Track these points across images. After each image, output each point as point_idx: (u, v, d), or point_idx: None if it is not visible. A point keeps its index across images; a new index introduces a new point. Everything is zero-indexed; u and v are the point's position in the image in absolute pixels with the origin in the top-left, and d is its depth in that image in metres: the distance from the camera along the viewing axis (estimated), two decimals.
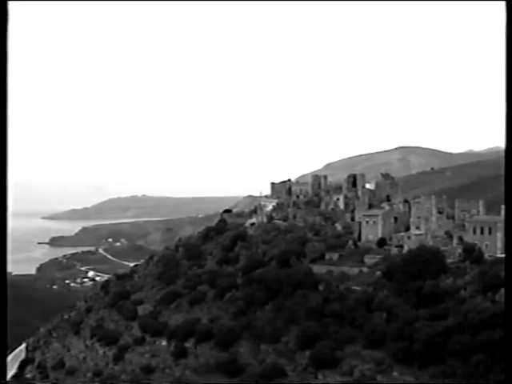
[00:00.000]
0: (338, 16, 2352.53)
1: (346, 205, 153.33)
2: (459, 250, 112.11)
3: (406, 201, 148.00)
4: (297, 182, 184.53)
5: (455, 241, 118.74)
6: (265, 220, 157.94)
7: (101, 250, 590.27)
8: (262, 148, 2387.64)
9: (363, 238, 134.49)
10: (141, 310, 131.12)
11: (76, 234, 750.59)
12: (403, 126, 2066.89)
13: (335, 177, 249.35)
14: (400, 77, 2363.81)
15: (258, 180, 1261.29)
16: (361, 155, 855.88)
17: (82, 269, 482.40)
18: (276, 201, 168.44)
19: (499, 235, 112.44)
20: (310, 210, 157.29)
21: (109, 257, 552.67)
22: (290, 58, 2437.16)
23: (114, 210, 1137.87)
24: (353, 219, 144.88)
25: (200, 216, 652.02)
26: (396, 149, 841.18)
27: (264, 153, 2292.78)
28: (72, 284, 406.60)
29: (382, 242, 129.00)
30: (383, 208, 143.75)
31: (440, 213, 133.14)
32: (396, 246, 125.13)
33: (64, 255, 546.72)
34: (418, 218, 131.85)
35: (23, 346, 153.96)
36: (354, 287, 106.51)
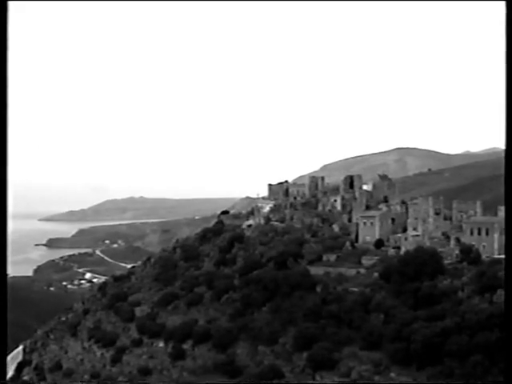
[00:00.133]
0: (335, 18, 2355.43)
1: (344, 206, 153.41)
2: (456, 251, 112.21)
3: (403, 202, 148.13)
4: (294, 184, 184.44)
5: (452, 242, 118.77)
6: (262, 221, 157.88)
7: (98, 252, 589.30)
8: (259, 150, 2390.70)
9: (360, 239, 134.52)
10: (138, 311, 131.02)
11: (73, 236, 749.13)
12: (400, 127, 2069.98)
13: (332, 178, 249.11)
14: (397, 78, 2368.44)
15: (256, 181, 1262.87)
16: (358, 156, 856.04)
17: (79, 270, 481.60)
18: (273, 202, 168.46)
19: (496, 236, 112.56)
20: (307, 211, 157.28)
21: (106, 258, 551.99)
22: (287, 58, 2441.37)
23: (111, 212, 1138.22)
24: (350, 220, 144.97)
25: (197, 217, 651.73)
26: (393, 150, 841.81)
27: (261, 154, 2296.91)
28: (69, 286, 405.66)
29: (379, 244, 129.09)
30: (380, 209, 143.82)
31: (437, 214, 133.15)
32: (393, 248, 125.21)
33: (61, 257, 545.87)
34: (416, 219, 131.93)
35: (20, 347, 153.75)
36: (352, 288, 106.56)
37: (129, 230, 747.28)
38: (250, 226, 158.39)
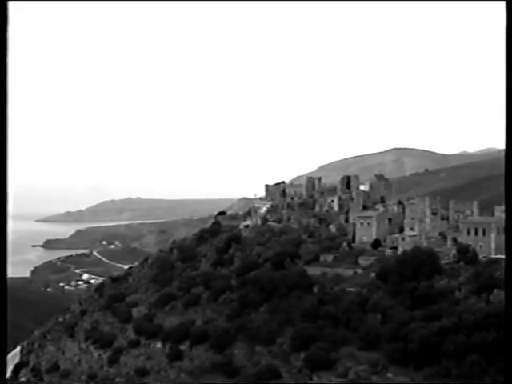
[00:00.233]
0: (333, 20, 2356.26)
1: (341, 206, 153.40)
2: (453, 251, 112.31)
3: (400, 202, 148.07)
4: (291, 184, 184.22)
5: (449, 242, 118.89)
6: (259, 222, 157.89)
7: (95, 253, 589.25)
8: (256, 150, 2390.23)
9: (357, 239, 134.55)
10: (135, 312, 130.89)
11: (70, 237, 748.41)
12: (397, 127, 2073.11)
13: (329, 178, 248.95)
14: (394, 78, 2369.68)
15: (253, 182, 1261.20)
16: (355, 157, 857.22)
17: (77, 271, 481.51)
18: (270, 203, 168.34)
19: (493, 236, 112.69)
20: (304, 211, 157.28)
21: (103, 259, 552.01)
22: (284, 59, 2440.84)
23: (108, 213, 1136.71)
24: (347, 221, 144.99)
25: (194, 218, 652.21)
26: (390, 150, 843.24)
27: (258, 155, 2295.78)
28: (66, 287, 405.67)
29: (376, 244, 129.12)
30: (377, 209, 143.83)
31: (434, 214, 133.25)
32: (390, 248, 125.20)
33: (58, 258, 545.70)
34: (412, 219, 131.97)
35: (18, 348, 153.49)
36: (349, 289, 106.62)
37: (126, 230, 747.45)
38: (247, 226, 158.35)
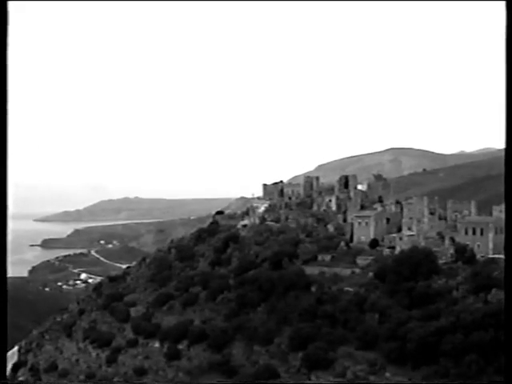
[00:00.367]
0: (332, 19, 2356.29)
1: (338, 206, 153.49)
2: (451, 251, 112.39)
3: (398, 202, 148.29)
4: (289, 184, 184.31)
5: (447, 241, 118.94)
6: (257, 221, 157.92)
7: (93, 252, 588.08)
8: (254, 150, 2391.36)
9: (355, 239, 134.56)
10: (133, 311, 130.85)
11: (68, 236, 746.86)
12: (395, 127, 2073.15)
13: (327, 178, 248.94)
14: (392, 78, 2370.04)
15: (251, 182, 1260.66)
16: (353, 156, 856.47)
17: (75, 271, 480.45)
18: (268, 202, 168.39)
19: (491, 236, 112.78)
20: (302, 211, 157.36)
21: (101, 259, 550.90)
22: (282, 59, 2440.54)
23: (106, 212, 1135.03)
24: (345, 220, 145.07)
25: (192, 218, 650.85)
26: (388, 150, 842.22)
27: (256, 154, 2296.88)
28: (64, 286, 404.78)
29: (374, 243, 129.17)
30: (375, 209, 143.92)
31: (432, 214, 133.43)
32: (388, 247, 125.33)
33: (56, 257, 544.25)
34: (410, 218, 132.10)
35: (15, 348, 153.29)
36: (347, 288, 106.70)
37: (124, 230, 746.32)
38: (245, 226, 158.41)
